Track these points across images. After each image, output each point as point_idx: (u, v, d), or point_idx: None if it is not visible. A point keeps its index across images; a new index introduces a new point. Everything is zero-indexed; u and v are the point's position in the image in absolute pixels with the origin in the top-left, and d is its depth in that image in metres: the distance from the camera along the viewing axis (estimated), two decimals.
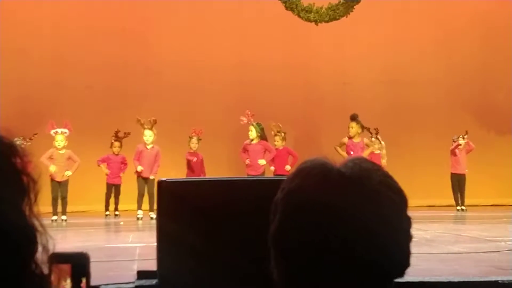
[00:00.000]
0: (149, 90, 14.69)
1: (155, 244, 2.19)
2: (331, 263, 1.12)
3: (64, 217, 12.04)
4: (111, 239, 9.31)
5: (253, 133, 12.84)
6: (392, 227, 1.14)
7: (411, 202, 1.20)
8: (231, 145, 14.07)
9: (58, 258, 1.35)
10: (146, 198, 12.31)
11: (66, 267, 1.48)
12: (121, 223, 11.78)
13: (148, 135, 12.63)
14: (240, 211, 2.10)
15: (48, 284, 1.06)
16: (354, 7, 13.22)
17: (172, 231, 2.14)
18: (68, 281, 1.49)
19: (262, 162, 12.83)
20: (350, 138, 12.77)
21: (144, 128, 12.62)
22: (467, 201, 13.68)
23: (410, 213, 1.20)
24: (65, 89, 14.56)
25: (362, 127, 12.78)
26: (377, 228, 1.12)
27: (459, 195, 13.71)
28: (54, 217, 11.88)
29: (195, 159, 12.84)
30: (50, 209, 11.76)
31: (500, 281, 2.60)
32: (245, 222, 2.01)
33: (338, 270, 1.12)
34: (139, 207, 12.30)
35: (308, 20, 13.21)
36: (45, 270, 1.00)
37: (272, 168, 12.94)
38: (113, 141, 12.98)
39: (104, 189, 12.92)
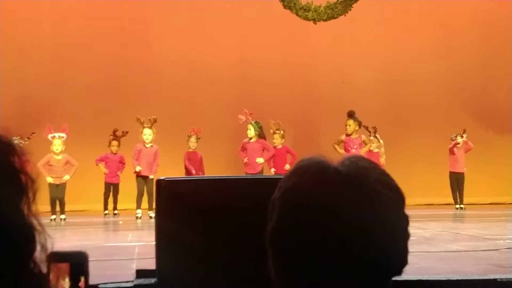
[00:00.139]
0: (149, 90, 14.69)
1: (154, 243, 2.19)
2: (329, 262, 1.12)
3: (62, 216, 12.03)
4: (110, 238, 9.30)
5: (251, 131, 12.85)
6: (389, 225, 1.14)
7: (410, 200, 1.21)
8: (230, 144, 14.07)
9: (56, 257, 1.36)
10: (145, 197, 12.32)
11: (65, 266, 1.48)
12: (120, 222, 11.78)
13: (148, 134, 12.59)
14: (238, 209, 2.10)
15: (47, 283, 1.06)
16: (353, 5, 13.21)
17: (171, 230, 2.14)
18: (67, 280, 1.49)
19: (260, 160, 12.83)
20: (348, 135, 12.80)
21: (144, 127, 12.60)
22: (466, 199, 13.69)
23: (408, 211, 1.20)
24: (65, 89, 14.56)
25: (360, 124, 12.80)
26: (374, 226, 1.12)
27: (457, 193, 13.72)
28: (53, 216, 11.88)
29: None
30: (48, 208, 11.76)
31: (498, 279, 2.60)
32: (243, 220, 2.01)
33: (336, 269, 1.12)
34: (138, 206, 12.29)
35: (306, 18, 13.21)
36: (44, 269, 1.00)
37: (273, 170, 12.92)
38: (111, 140, 12.97)
39: (103, 188, 12.92)
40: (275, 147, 13.08)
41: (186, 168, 12.88)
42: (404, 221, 1.19)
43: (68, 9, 14.65)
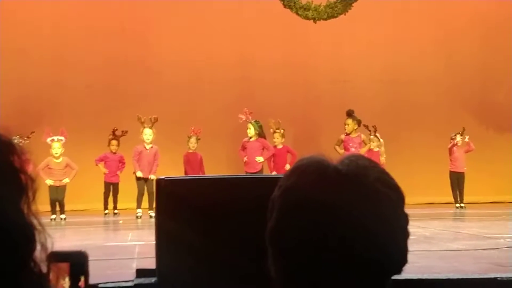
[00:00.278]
0: (149, 90, 14.69)
1: (154, 242, 2.19)
2: (329, 260, 1.12)
3: (63, 216, 12.03)
4: (110, 238, 9.30)
5: (251, 130, 12.84)
6: (389, 224, 1.14)
7: (410, 199, 1.21)
8: (230, 144, 14.06)
9: (56, 257, 1.35)
10: (145, 197, 12.31)
11: (65, 266, 1.48)
12: (120, 221, 11.78)
13: (148, 134, 12.52)
14: (238, 209, 2.10)
15: (47, 283, 1.06)
16: (352, 5, 13.21)
17: (171, 229, 2.14)
18: (67, 279, 1.49)
19: (259, 159, 12.83)
20: (347, 134, 12.81)
21: (144, 127, 12.55)
22: (466, 198, 13.68)
23: (408, 210, 1.20)
24: (65, 88, 14.56)
25: (359, 123, 12.81)
26: (374, 225, 1.12)
27: (458, 192, 13.72)
28: (53, 216, 11.88)
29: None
30: (48, 207, 11.76)
31: (499, 278, 2.60)
32: (243, 220, 2.01)
33: (336, 267, 1.12)
34: (139, 206, 12.28)
35: (306, 18, 13.20)
36: (44, 269, 1.00)
37: (274, 173, 12.90)
38: (110, 139, 12.94)
39: (103, 188, 12.92)
40: (275, 146, 13.07)
41: (185, 172, 12.86)
42: (404, 220, 1.19)
43: (68, 9, 14.65)
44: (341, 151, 12.37)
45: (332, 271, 1.13)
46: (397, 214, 1.17)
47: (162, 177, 2.24)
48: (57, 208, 12.08)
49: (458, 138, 13.63)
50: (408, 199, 1.21)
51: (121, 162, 13.00)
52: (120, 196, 12.94)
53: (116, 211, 12.84)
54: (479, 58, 15.78)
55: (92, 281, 1.54)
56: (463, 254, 5.79)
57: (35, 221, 0.98)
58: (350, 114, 12.78)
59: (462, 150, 13.74)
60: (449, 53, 15.69)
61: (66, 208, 12.22)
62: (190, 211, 2.15)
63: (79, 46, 14.60)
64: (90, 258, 1.55)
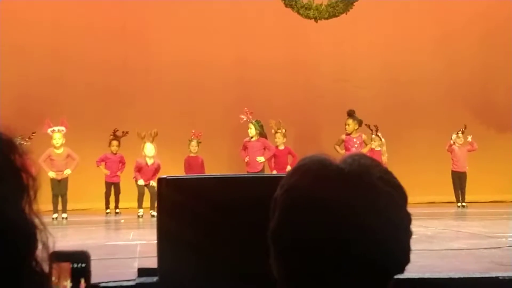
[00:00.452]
0: (148, 89, 14.69)
1: (156, 241, 2.19)
2: (331, 260, 1.11)
3: (64, 215, 12.04)
4: (112, 237, 9.31)
5: (252, 130, 12.85)
6: (391, 223, 1.14)
7: (412, 198, 1.20)
8: (231, 144, 14.07)
9: (58, 256, 1.35)
10: (147, 196, 12.32)
11: (66, 265, 1.48)
12: (122, 220, 11.79)
13: (149, 149, 12.46)
14: (240, 208, 2.10)
15: (48, 282, 1.06)
16: (354, 4, 13.21)
17: (173, 229, 2.14)
18: (68, 279, 1.48)
19: (260, 159, 12.83)
20: (348, 134, 12.81)
21: (145, 142, 12.49)
22: (467, 197, 13.69)
23: (410, 209, 1.20)
24: (65, 87, 14.57)
25: (360, 123, 12.81)
26: (376, 224, 1.12)
27: (459, 192, 13.73)
28: (55, 215, 11.89)
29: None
30: (50, 207, 11.76)
31: (500, 277, 2.59)
32: (245, 219, 2.01)
33: (338, 266, 1.12)
34: (140, 206, 12.30)
35: (307, 17, 13.21)
36: (46, 268, 1.00)
37: (275, 172, 12.90)
38: (111, 140, 12.95)
39: (104, 187, 12.93)
40: (277, 147, 13.08)
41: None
42: (407, 219, 1.18)
43: (68, 9, 14.66)
44: (342, 151, 12.38)
45: (334, 270, 1.12)
46: (400, 213, 1.17)
47: (164, 176, 2.23)
48: (59, 207, 12.07)
49: (454, 137, 13.66)
50: (409, 198, 1.21)
51: (122, 162, 13.02)
52: (121, 195, 12.96)
53: (117, 210, 12.85)
54: (479, 58, 15.78)
55: (93, 280, 1.53)
56: (465, 253, 5.80)
57: (36, 220, 0.98)
58: (350, 114, 12.78)
59: (464, 149, 13.75)
60: (449, 52, 15.69)
61: (68, 207, 12.22)
62: (192, 210, 2.15)
63: (79, 45, 14.61)
64: (91, 257, 1.55)
